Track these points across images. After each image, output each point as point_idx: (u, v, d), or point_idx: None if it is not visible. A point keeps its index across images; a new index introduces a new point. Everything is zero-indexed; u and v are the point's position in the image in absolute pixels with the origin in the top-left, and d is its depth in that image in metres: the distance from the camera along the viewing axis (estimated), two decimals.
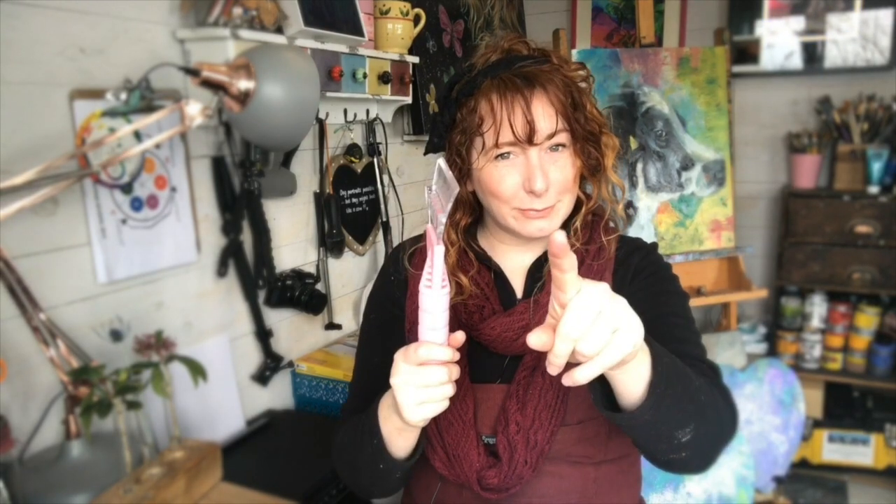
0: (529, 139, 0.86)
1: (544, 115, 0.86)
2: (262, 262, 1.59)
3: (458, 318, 0.94)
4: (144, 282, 1.33)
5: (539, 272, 0.97)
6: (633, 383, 0.71)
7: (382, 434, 0.85)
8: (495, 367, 0.95)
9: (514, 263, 0.99)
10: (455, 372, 0.75)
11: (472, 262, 0.97)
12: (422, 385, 0.73)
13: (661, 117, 2.30)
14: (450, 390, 0.74)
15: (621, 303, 0.64)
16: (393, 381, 0.75)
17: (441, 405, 0.75)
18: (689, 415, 0.76)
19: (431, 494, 0.97)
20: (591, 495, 0.92)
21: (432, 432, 0.92)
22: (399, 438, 0.85)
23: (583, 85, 0.92)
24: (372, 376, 0.97)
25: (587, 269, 0.93)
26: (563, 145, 0.89)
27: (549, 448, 0.89)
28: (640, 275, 0.96)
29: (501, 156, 0.88)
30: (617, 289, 0.92)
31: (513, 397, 0.90)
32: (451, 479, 0.92)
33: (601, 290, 0.62)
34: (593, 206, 0.96)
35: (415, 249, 1.00)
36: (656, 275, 0.97)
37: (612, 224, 0.98)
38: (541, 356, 0.90)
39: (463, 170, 0.92)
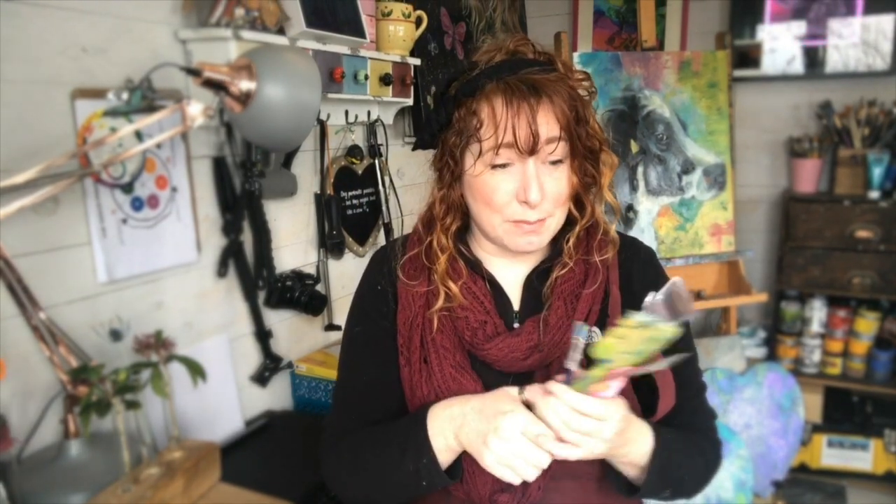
0: (531, 150, 0.82)
1: (548, 127, 0.82)
2: (263, 263, 1.59)
3: (461, 335, 0.91)
4: (144, 281, 1.33)
5: (534, 284, 0.93)
6: (628, 468, 0.88)
7: (434, 451, 0.83)
8: (501, 383, 0.90)
9: (508, 274, 0.95)
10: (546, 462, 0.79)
11: (461, 270, 0.92)
12: (519, 455, 0.78)
13: (662, 121, 2.30)
14: (531, 475, 0.79)
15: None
16: (504, 429, 0.78)
17: (514, 480, 0.79)
18: (674, 487, 0.91)
19: None
20: None
21: None
22: (445, 453, 0.84)
23: (585, 95, 0.88)
24: (364, 395, 0.94)
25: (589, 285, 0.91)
26: (561, 161, 0.85)
27: (557, 468, 0.86)
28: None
29: (499, 165, 0.84)
30: (624, 293, 0.93)
31: None
32: (459, 496, 0.90)
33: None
34: (587, 223, 0.92)
35: (407, 258, 0.95)
36: None
37: (608, 235, 0.94)
38: (551, 376, 0.88)
39: (455, 172, 0.88)
